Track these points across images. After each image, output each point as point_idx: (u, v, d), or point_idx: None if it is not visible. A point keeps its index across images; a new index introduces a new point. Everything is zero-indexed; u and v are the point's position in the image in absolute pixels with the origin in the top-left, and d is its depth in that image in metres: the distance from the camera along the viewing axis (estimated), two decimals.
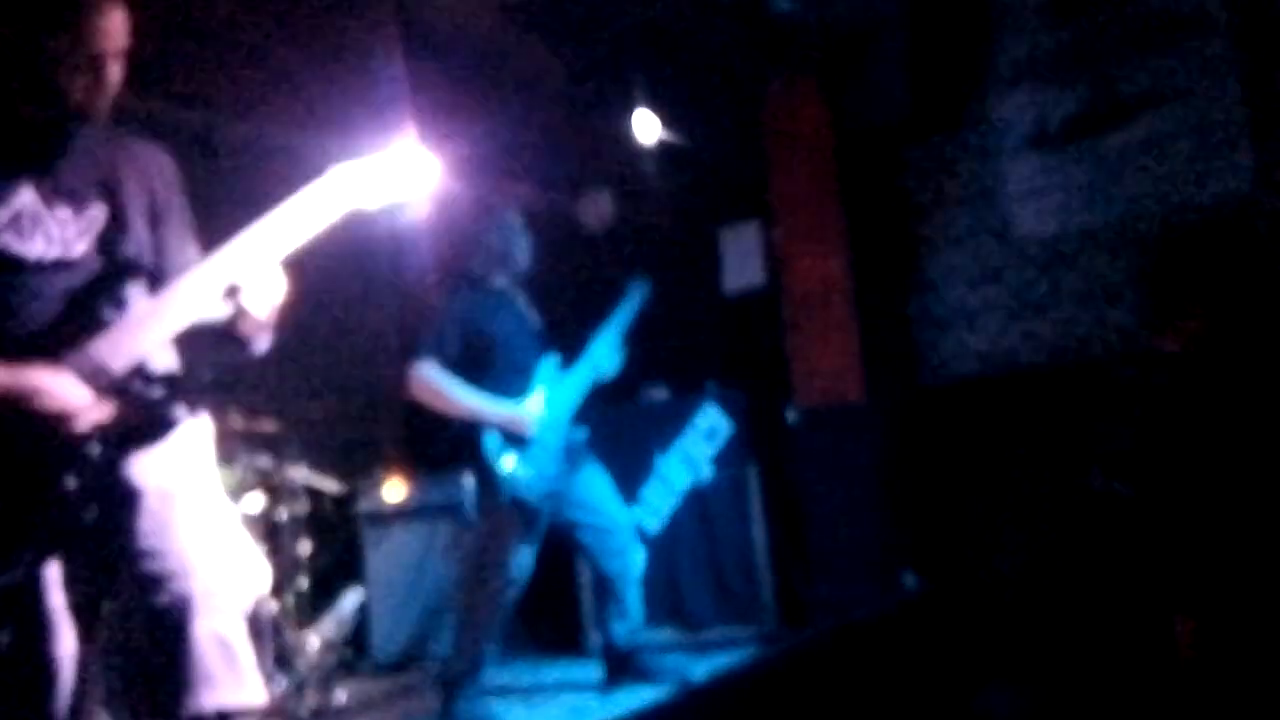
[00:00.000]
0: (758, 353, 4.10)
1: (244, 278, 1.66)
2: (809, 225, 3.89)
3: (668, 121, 4.34)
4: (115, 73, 1.67)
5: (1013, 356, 3.74)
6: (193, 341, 1.69)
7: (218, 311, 1.68)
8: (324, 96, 4.59)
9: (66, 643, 1.60)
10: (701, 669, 3.25)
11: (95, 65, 1.62)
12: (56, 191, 1.66)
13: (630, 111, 4.31)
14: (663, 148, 4.37)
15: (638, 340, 3.46)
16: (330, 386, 4.85)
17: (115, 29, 1.63)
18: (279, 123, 4.63)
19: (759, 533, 3.80)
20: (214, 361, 1.84)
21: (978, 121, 3.85)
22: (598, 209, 4.41)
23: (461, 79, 4.79)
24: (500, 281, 3.34)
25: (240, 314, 1.67)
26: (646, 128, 4.21)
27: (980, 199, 3.84)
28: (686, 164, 4.41)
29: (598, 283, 3.89)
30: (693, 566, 3.87)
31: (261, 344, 1.79)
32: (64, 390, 1.52)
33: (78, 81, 1.62)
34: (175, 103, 4.12)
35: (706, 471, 3.88)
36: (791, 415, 3.91)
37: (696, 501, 3.89)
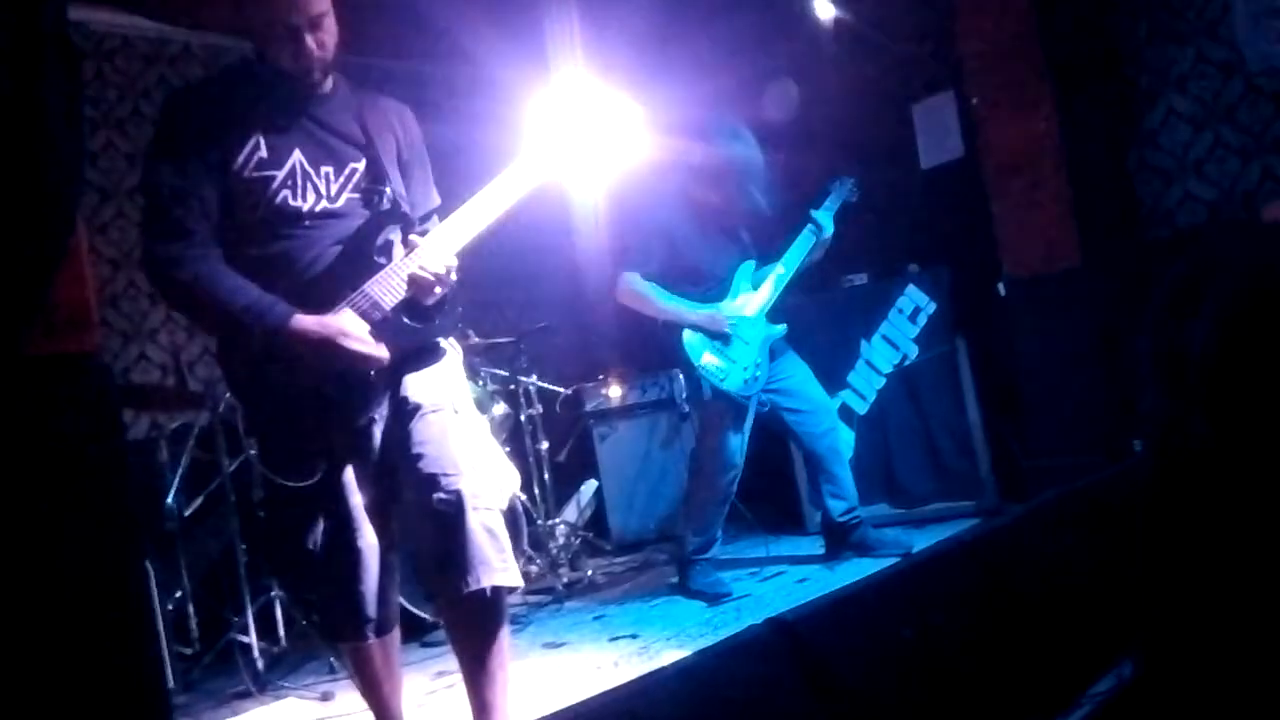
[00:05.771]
0: (960, 227, 3.95)
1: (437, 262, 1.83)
2: (1008, 85, 3.63)
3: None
4: (321, 40, 1.81)
5: (1250, 200, 3.40)
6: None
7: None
8: (510, 29, 4.81)
9: (368, 535, 1.91)
10: (922, 541, 3.31)
11: (293, 35, 1.78)
12: (320, 150, 1.87)
13: None
14: (844, 27, 4.21)
15: (836, 228, 3.47)
16: (551, 304, 5.27)
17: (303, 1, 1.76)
18: (474, 61, 4.92)
19: (972, 408, 3.75)
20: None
21: None
22: (783, 99, 4.34)
23: None
24: (707, 193, 3.35)
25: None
26: (826, 8, 4.05)
27: (1203, 32, 3.44)
28: (871, 42, 4.23)
29: (790, 175, 3.87)
30: (905, 445, 3.88)
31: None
32: (364, 333, 1.80)
33: (284, 50, 1.79)
34: (385, 55, 4.50)
35: (912, 351, 3.86)
36: (1003, 286, 3.76)
37: (905, 380, 3.86)
